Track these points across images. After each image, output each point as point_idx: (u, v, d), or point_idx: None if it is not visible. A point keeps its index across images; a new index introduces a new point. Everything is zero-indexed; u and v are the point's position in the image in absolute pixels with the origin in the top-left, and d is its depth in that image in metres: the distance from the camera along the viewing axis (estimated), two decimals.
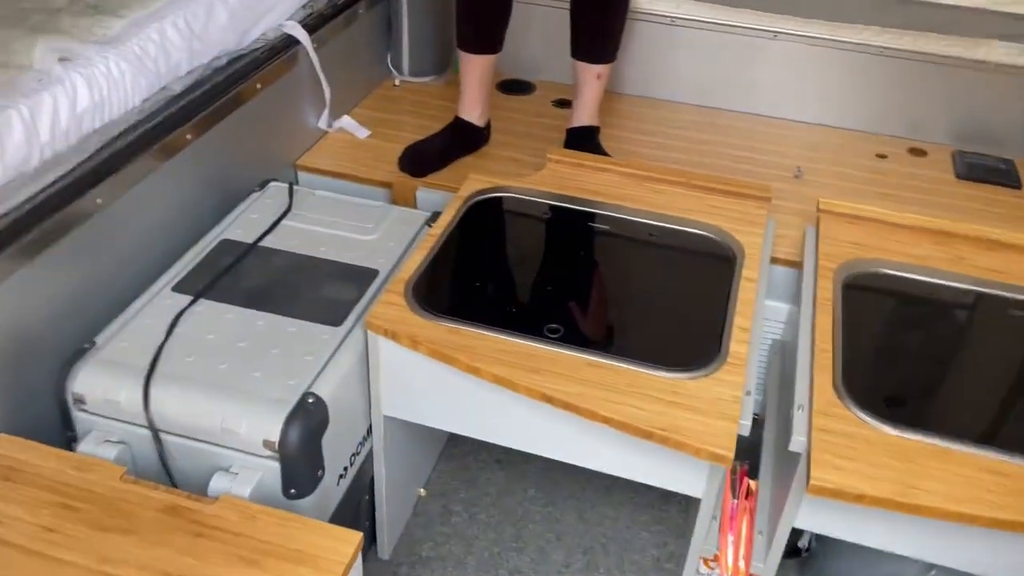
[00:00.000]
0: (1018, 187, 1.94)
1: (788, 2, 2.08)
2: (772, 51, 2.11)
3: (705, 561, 1.47)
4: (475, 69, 1.89)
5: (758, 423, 1.60)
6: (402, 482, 1.57)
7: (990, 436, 1.14)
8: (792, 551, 1.58)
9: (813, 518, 1.18)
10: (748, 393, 1.19)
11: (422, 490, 1.70)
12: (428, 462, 1.73)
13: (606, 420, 1.15)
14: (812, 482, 1.07)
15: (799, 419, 1.16)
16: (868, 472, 1.07)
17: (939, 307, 1.41)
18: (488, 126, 1.98)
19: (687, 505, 1.38)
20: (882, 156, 2.05)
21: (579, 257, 1.51)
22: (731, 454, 1.10)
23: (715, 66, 2.16)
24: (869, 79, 2.08)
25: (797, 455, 1.15)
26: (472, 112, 1.93)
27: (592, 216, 1.55)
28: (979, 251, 1.49)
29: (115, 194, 1.36)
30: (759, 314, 1.35)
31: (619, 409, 1.15)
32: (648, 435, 1.13)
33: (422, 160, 1.87)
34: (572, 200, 1.58)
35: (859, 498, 1.06)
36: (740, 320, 1.31)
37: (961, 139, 2.09)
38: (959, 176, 1.98)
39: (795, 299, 1.53)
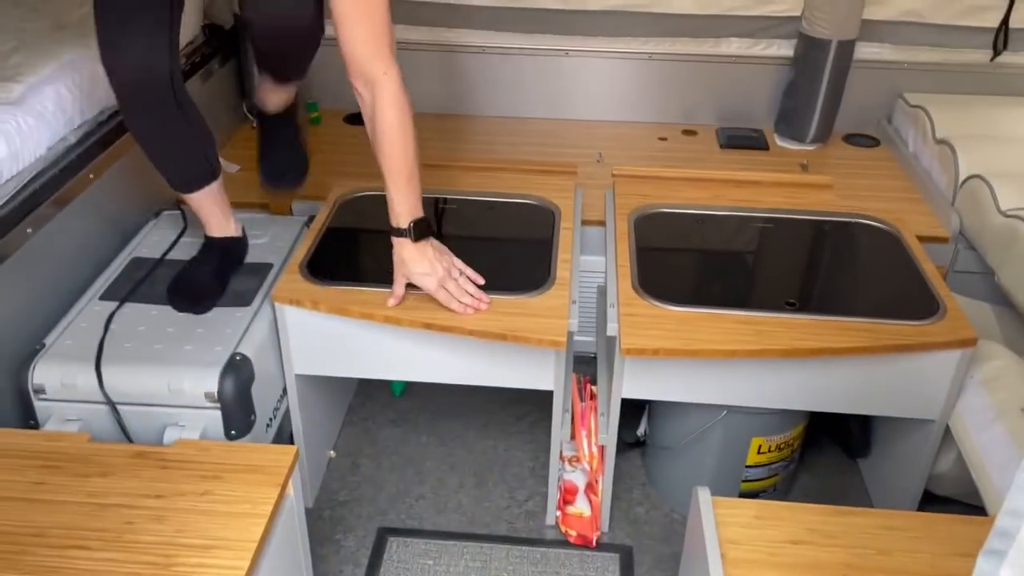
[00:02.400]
0: (766, 148, 2.50)
1: (574, 24, 2.56)
2: (566, 66, 2.59)
3: (568, 460, 1.87)
4: (206, 197, 1.71)
5: (593, 360, 2.01)
6: (315, 437, 1.87)
7: (742, 302, 1.61)
8: (634, 443, 2.00)
9: (633, 385, 1.59)
10: (574, 302, 1.60)
11: (331, 452, 2.00)
12: (335, 425, 2.04)
13: (472, 332, 1.52)
14: (623, 347, 1.48)
15: (611, 314, 1.58)
16: (662, 335, 1.50)
17: (704, 227, 1.88)
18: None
19: (549, 427, 1.77)
20: (663, 139, 2.55)
21: (436, 226, 1.88)
22: (564, 340, 1.50)
23: (523, 83, 2.62)
24: (646, 80, 2.60)
25: (614, 339, 1.56)
26: (227, 228, 1.78)
27: (442, 200, 1.94)
28: (731, 189, 1.99)
29: (40, 224, 1.62)
30: (576, 250, 1.78)
31: (480, 323, 1.53)
32: (503, 337, 1.51)
33: (200, 293, 1.66)
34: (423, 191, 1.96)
35: (656, 352, 1.48)
36: (563, 255, 1.72)
37: (722, 118, 2.64)
38: (722, 146, 2.51)
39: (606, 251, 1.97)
